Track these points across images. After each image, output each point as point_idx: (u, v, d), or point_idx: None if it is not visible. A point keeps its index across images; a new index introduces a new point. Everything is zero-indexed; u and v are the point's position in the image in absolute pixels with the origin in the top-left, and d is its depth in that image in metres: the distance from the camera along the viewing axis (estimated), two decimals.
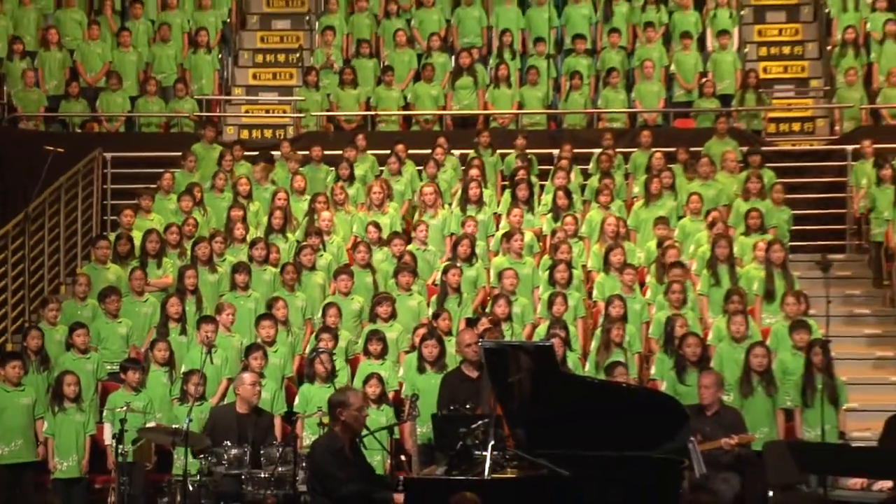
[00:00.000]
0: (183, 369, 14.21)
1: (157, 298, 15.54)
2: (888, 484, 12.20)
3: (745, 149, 18.75)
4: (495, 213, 17.53)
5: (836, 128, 20.40)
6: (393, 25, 21.17)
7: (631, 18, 21.22)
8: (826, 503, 12.59)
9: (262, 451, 12.69)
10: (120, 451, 12.79)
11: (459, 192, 17.69)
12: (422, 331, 14.48)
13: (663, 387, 13.86)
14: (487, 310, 15.11)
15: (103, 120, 20.29)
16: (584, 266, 16.36)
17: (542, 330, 14.72)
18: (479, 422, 11.40)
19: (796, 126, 21.02)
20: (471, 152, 18.71)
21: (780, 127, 20.91)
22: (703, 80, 20.39)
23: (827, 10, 21.63)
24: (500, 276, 15.67)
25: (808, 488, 12.88)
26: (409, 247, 16.32)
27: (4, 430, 13.44)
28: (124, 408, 13.09)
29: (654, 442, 11.11)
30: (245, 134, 20.84)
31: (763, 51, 22.19)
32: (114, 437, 12.91)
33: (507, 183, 18.17)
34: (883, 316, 17.28)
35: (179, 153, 18.72)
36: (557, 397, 11.21)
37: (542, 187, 18.06)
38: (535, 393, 11.23)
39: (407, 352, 14.59)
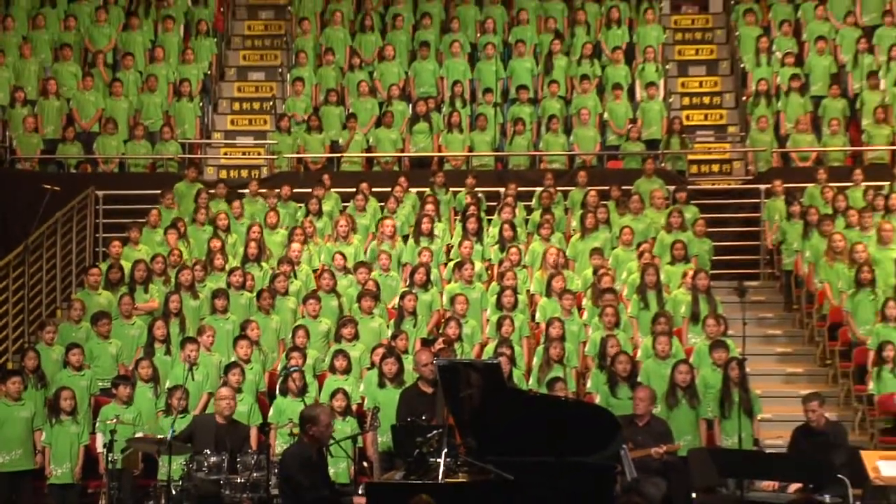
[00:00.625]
0: (167, 385, 14.15)
1: (144, 321, 15.51)
2: (797, 486, 12.28)
3: (671, 187, 18.84)
4: (448, 245, 17.54)
5: (751, 168, 20.48)
6: (357, 77, 21.16)
7: (568, 71, 21.27)
8: (742, 503, 12.68)
9: (238, 459, 12.67)
10: (110, 459, 12.82)
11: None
12: (382, 350, 14.44)
13: (598, 399, 13.89)
14: (441, 331, 15.12)
15: (100, 161, 20.19)
16: (527, 291, 16.36)
17: (490, 349, 14.70)
18: (434, 432, 11.39)
19: (716, 167, 21.09)
20: (427, 190, 18.69)
21: (701, 168, 20.97)
22: (631, 126, 20.46)
23: (742, 65, 21.73)
24: (452, 300, 15.68)
25: (727, 490, 12.90)
26: (373, 274, 16.34)
27: (5, 441, 13.41)
28: (115, 420, 13.15)
29: (589, 449, 11.12)
30: (224, 174, 20.78)
31: (686, 100, 22.26)
32: (105, 446, 12.90)
33: (459, 217, 18.16)
34: (792, 336, 17.41)
35: (164, 191, 18.57)
36: (504, 409, 11.20)
37: (489, 221, 18.07)
38: (484, 405, 11.22)
39: (369, 369, 14.55)
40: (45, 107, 20.62)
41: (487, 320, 15.66)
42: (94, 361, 14.77)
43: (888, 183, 18.39)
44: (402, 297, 15.75)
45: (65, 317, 16.14)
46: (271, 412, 13.89)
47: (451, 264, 16.83)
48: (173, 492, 12.42)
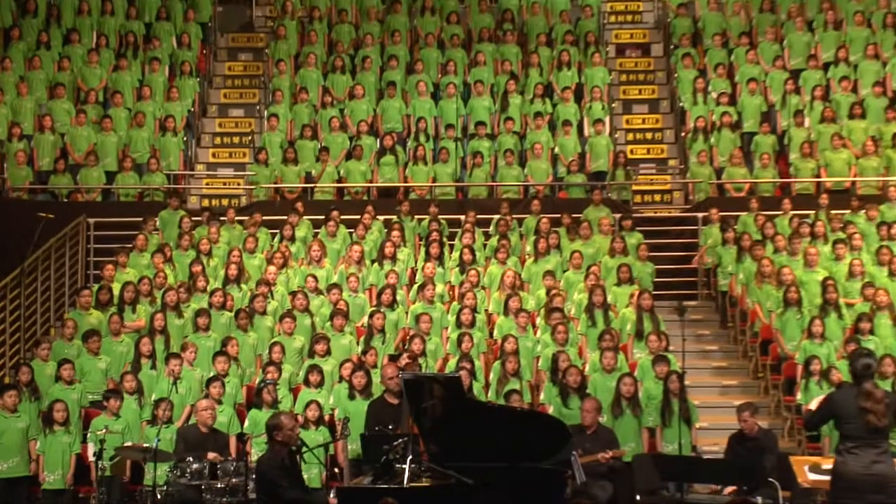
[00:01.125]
0: (154, 397, 14.13)
1: (132, 339, 15.44)
2: (732, 489, 12.31)
3: (617, 215, 18.88)
4: (412, 268, 17.53)
5: (690, 198, 20.54)
6: (328, 114, 21.14)
7: (523, 109, 21.30)
8: None
9: (218, 466, 12.60)
10: (100, 466, 12.78)
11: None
12: (351, 364, 14.45)
13: (550, 410, 13.90)
14: (406, 347, 15.11)
15: (82, 191, 20.11)
16: (486, 311, 16.37)
17: (451, 364, 14.69)
18: (399, 440, 11.38)
19: (657, 197, 21.16)
20: (393, 218, 18.68)
21: (644, 197, 21.03)
22: (581, 159, 20.50)
23: (681, 104, 21.81)
24: (416, 319, 15.66)
25: (668, 493, 12.93)
26: (343, 295, 16.32)
27: (3, 450, 13.37)
28: (104, 430, 13.08)
29: (542, 455, 11.13)
30: (206, 202, 20.73)
31: (630, 136, 22.32)
32: (95, 454, 12.78)
33: (422, 242, 18.16)
34: (727, 351, 17.47)
35: (150, 219, 18.60)
36: (464, 419, 11.19)
37: (451, 246, 18.06)
38: (445, 415, 11.21)
39: (339, 382, 14.52)
40: (40, 141, 20.52)
41: (448, 337, 15.65)
42: (85, 376, 14.66)
43: (813, 212, 18.47)
44: (370, 316, 15.76)
45: (58, 335, 16.04)
46: (246, 423, 13.90)
47: (415, 286, 16.82)
48: (158, 496, 12.42)
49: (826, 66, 21.73)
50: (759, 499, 12.06)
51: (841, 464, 10.34)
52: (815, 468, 11.05)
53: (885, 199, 18.71)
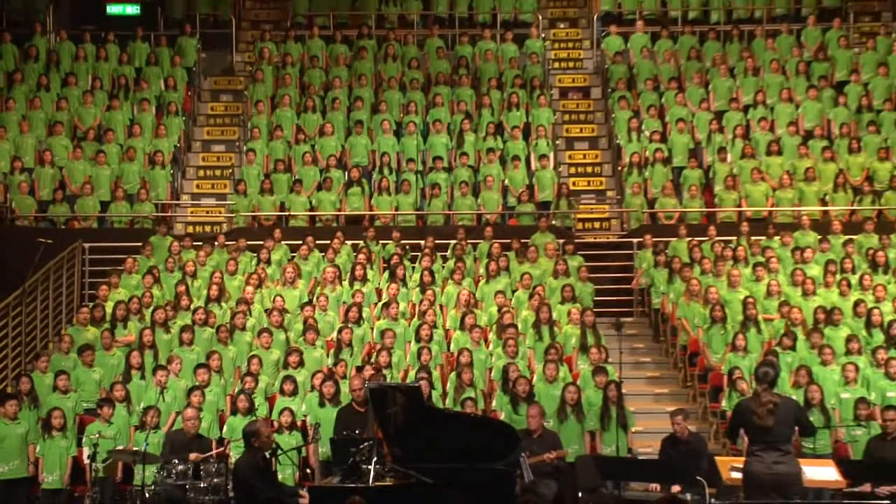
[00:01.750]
0: (142, 405, 14.11)
1: (123, 352, 15.43)
2: (678, 488, 12.33)
3: (561, 241, 18.93)
4: (377, 288, 17.51)
5: (625, 226, 20.62)
6: (301, 149, 21.11)
7: (476, 145, 21.33)
8: (619, 501, 12.72)
9: (201, 467, 12.63)
10: (94, 468, 12.82)
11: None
12: (321, 375, 14.45)
13: (502, 416, 13.92)
14: (372, 360, 15.08)
15: (79, 218, 20.01)
16: (444, 326, 16.37)
17: (412, 375, 14.69)
18: (365, 444, 11.40)
19: (597, 224, 21.22)
20: (360, 243, 18.66)
21: (585, 225, 21.08)
22: (529, 190, 20.54)
23: (617, 141, 21.90)
24: (381, 334, 15.69)
25: (607, 490, 12.95)
26: (315, 312, 16.29)
27: (4, 454, 13.38)
28: (98, 435, 13.09)
29: (494, 457, 11.13)
30: (191, 229, 20.65)
31: (572, 170, 22.38)
32: (90, 457, 12.86)
33: (386, 265, 18.14)
34: (659, 363, 17.51)
35: (140, 244, 18.57)
36: (424, 424, 11.19)
37: (412, 268, 18.07)
38: (407, 421, 11.20)
39: (311, 391, 14.49)
40: (41, 174, 20.42)
41: (410, 351, 15.61)
42: (80, 386, 14.65)
43: (735, 238, 18.58)
44: (339, 332, 15.79)
45: (56, 349, 15.95)
46: (225, 429, 13.93)
47: (380, 304, 16.81)
48: (147, 495, 12.43)
49: (746, 108, 21.88)
50: (689, 495, 12.09)
51: (748, 465, 10.57)
52: (736, 467, 11.10)
53: (798, 227, 18.84)
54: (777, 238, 18.57)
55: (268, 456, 11.49)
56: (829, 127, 21.41)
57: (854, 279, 16.98)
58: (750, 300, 16.09)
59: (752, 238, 18.61)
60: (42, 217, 20.10)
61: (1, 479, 13.36)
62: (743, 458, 11.70)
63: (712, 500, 11.93)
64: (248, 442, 11.11)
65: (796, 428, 10.91)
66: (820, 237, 18.46)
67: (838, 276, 16.99)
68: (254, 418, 13.44)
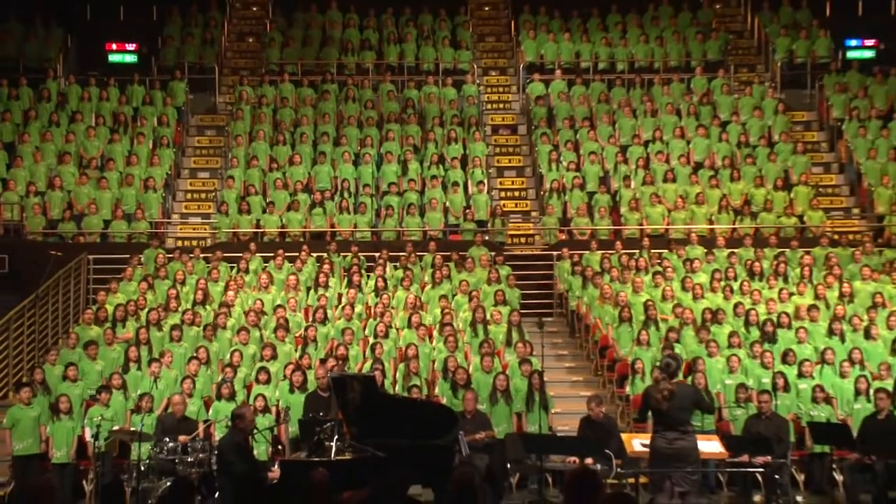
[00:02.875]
0: (138, 392, 14.08)
1: (122, 347, 15.36)
2: (589, 460, 12.39)
3: (493, 253, 18.97)
4: (338, 293, 17.47)
5: (547, 241, 20.71)
6: (274, 176, 21.02)
7: (422, 173, 21.34)
8: (541, 470, 12.76)
9: (189, 445, 12.59)
10: (96, 445, 12.72)
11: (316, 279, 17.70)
12: (291, 366, 14.44)
13: (443, 400, 13.92)
14: (334, 353, 15.04)
15: (85, 234, 19.86)
16: (395, 325, 16.33)
17: (367, 366, 14.66)
18: (328, 424, 11.34)
19: (523, 239, 21.23)
20: (324, 255, 18.60)
21: (513, 240, 21.09)
22: (466, 211, 20.59)
23: (540, 170, 21.99)
24: (342, 332, 15.65)
25: (531, 461, 12.98)
26: (286, 314, 16.23)
27: (20, 434, 13.39)
28: (99, 418, 13.01)
29: (437, 434, 11.14)
30: (180, 243, 20.49)
31: (503, 194, 22.43)
32: (93, 436, 12.78)
33: (346, 274, 18.09)
34: (575, 355, 17.54)
35: (137, 256, 18.57)
36: (377, 407, 11.19)
37: (368, 276, 18.03)
38: (363, 405, 11.19)
39: (282, 380, 14.43)
40: (52, 197, 20.27)
41: (366, 345, 15.60)
42: (85, 376, 14.55)
43: (638, 251, 18.72)
44: (306, 330, 15.76)
45: (64, 344, 15.86)
46: (210, 412, 13.86)
47: (341, 306, 16.76)
48: (142, 468, 12.36)
49: (646, 143, 22.04)
50: (599, 466, 12.14)
51: (653, 441, 10.74)
52: (644, 443, 11.19)
53: (689, 242, 19.00)
54: (672, 251, 18.77)
55: (247, 436, 11.49)
56: (714, 159, 21.60)
57: (735, 285, 17.17)
58: (650, 303, 16.21)
59: (652, 251, 18.79)
60: (53, 233, 19.93)
61: (17, 455, 13.37)
62: (646, 435, 11.81)
63: (618, 470, 12.02)
64: (233, 422, 11.10)
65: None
66: (706, 251, 18.61)
67: (722, 283, 17.15)
68: (239, 403, 13.51)
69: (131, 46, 25.82)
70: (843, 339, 15.36)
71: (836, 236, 19.82)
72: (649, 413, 11.08)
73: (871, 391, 13.67)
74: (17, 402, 13.67)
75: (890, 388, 13.66)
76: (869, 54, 25.87)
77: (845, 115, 22.90)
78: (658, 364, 11.24)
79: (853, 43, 25.94)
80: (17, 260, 18.93)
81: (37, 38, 25.25)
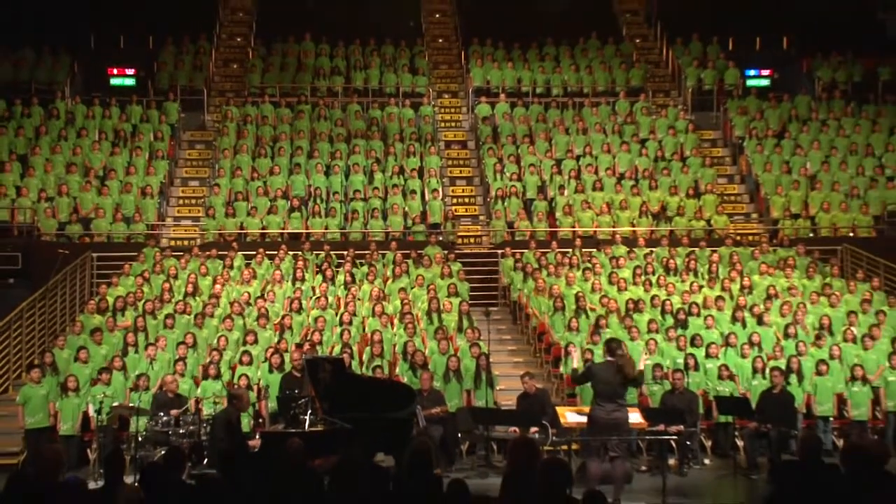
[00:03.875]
0: (136, 372, 13.95)
1: (122, 333, 15.20)
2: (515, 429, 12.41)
3: (446, 251, 18.96)
4: (312, 286, 17.36)
5: (493, 241, 20.73)
6: (255, 184, 20.88)
7: (385, 182, 21.29)
8: (488, 439, 12.78)
9: (180, 419, 12.54)
10: (99, 419, 12.67)
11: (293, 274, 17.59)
12: (271, 350, 14.33)
13: (404, 379, 13.86)
14: (308, 338, 14.96)
15: (94, 235, 19.64)
16: (361, 314, 16.28)
17: (337, 349, 14.59)
18: (302, 400, 11.30)
19: (472, 240, 21.24)
20: (299, 253, 18.52)
21: (463, 240, 21.10)
22: (423, 215, 20.56)
23: (486, 180, 22.02)
24: (315, 320, 15.56)
25: (479, 431, 13.02)
26: (266, 304, 16.13)
27: (32, 409, 13.28)
28: (102, 395, 12.98)
29: (398, 408, 11.16)
30: (173, 243, 20.30)
31: (454, 200, 22.40)
32: (96, 411, 12.71)
33: (318, 269, 18.00)
34: (517, 340, 17.55)
35: (135, 254, 18.34)
36: (345, 385, 11.19)
37: (338, 271, 17.95)
38: (333, 383, 11.18)
39: (263, 362, 14.33)
40: (60, 202, 20.00)
41: (336, 332, 15.50)
42: (90, 359, 14.33)
43: (570, 250, 18.81)
44: (283, 318, 15.69)
45: (70, 331, 15.61)
46: (199, 390, 13.77)
47: (314, 298, 16.67)
48: (139, 439, 12.30)
49: (578, 158, 22.11)
50: (537, 435, 12.17)
51: (593, 411, 10.73)
52: (582, 412, 11.23)
53: (614, 243, 19.12)
54: (600, 250, 18.86)
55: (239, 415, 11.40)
56: (635, 171, 21.76)
57: (653, 279, 17.28)
58: (580, 294, 16.28)
59: (583, 250, 18.86)
60: (61, 234, 19.67)
61: (29, 428, 13.24)
62: (576, 408, 11.85)
63: (553, 438, 12.06)
64: (230, 401, 11.01)
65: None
66: (629, 249, 18.74)
67: (642, 278, 17.27)
68: (224, 382, 13.43)
69: (130, 71, 25.57)
70: (744, 325, 15.53)
71: (738, 237, 20.03)
72: (587, 381, 11.10)
73: (767, 369, 13.83)
74: (28, 382, 13.51)
75: (783, 367, 13.83)
76: (765, 82, 26.23)
77: (745, 134, 23.19)
78: (605, 346, 11.23)
79: (752, 73, 26.26)
80: (29, 257, 18.66)
81: (47, 63, 24.99)
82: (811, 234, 20.39)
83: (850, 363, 14.25)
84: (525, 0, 27.75)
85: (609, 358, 10.80)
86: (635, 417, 11.47)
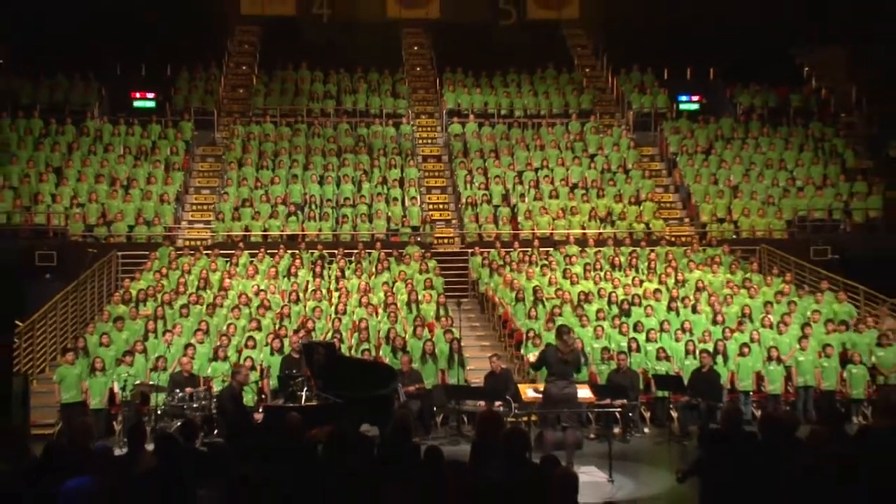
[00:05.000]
0: (155, 355, 13.81)
1: (143, 321, 15.06)
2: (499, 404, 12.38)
3: (424, 251, 18.93)
4: (307, 280, 17.27)
5: (464, 242, 20.70)
6: (259, 192, 20.79)
7: (370, 191, 21.25)
8: (459, 412, 12.76)
9: (193, 395, 12.44)
10: (123, 395, 12.72)
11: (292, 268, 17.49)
12: (272, 335, 14.25)
13: (387, 360, 13.82)
14: (304, 325, 14.87)
15: (115, 237, 19.47)
16: (350, 304, 16.20)
17: (329, 335, 14.52)
18: (299, 379, 11.27)
19: (446, 240, 21.19)
20: (296, 251, 18.43)
21: (438, 241, 21.02)
22: (403, 219, 20.50)
23: (458, 189, 21.97)
24: (311, 310, 15.50)
25: (451, 405, 13.00)
26: (268, 295, 16.03)
27: (66, 387, 13.19)
28: (126, 375, 13.01)
29: (382, 386, 11.14)
30: (187, 243, 20.13)
31: (431, 206, 22.33)
32: (121, 388, 12.77)
33: (313, 266, 17.91)
34: (485, 326, 17.45)
35: (154, 252, 18.26)
36: (337, 366, 11.13)
37: (329, 268, 17.87)
38: (326, 364, 11.13)
39: (265, 346, 14.24)
40: (90, 208, 19.85)
41: (329, 319, 15.44)
42: (115, 344, 14.23)
43: (530, 249, 18.84)
44: (282, 308, 15.62)
45: (99, 319, 15.51)
46: (209, 370, 13.64)
47: (309, 290, 16.59)
48: (158, 412, 12.25)
49: (536, 170, 22.13)
50: (502, 408, 12.19)
51: (547, 388, 10.71)
52: (537, 389, 11.24)
53: (568, 243, 19.19)
54: (555, 249, 18.91)
55: (242, 389, 11.36)
56: (585, 182, 21.81)
57: (601, 274, 17.36)
58: (538, 287, 16.31)
59: (540, 249, 18.90)
60: (90, 235, 19.47)
61: (64, 403, 13.13)
62: (536, 385, 11.86)
63: (515, 411, 12.08)
64: (232, 376, 10.98)
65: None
66: (581, 249, 18.82)
67: (592, 273, 17.34)
68: (231, 363, 13.33)
69: (150, 95, 25.34)
70: (677, 314, 15.61)
71: (672, 239, 20.15)
72: (542, 366, 11.13)
73: (697, 351, 13.92)
74: (63, 363, 13.40)
75: (710, 349, 13.92)
76: (695, 106, 26.36)
77: (678, 151, 23.32)
78: (556, 332, 11.24)
79: (684, 98, 26.38)
80: (63, 255, 18.50)
81: (79, 88, 24.73)
82: (734, 236, 20.53)
83: (767, 346, 14.37)
84: (490, 35, 27.96)
85: (559, 342, 10.84)
86: (585, 393, 11.51)
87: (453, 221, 21.83)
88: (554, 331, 11.90)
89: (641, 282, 17.00)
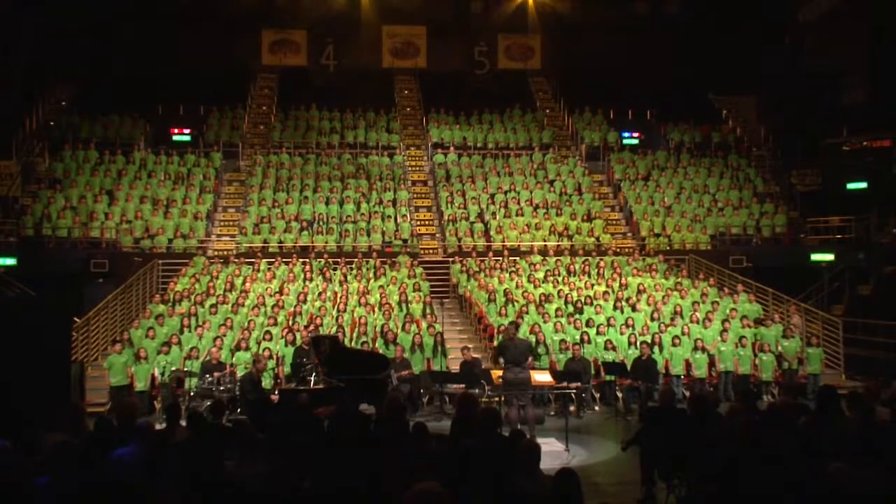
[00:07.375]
0: (189, 346, 13.71)
1: (179, 318, 14.93)
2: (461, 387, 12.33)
3: (413, 259, 18.88)
4: (316, 284, 17.16)
5: (447, 252, 20.69)
6: (276, 211, 20.71)
7: (369, 210, 21.16)
8: (442, 394, 12.70)
9: (221, 379, 12.32)
10: (162, 380, 12.61)
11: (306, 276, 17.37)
12: (286, 330, 14.13)
13: (382, 351, 13.74)
14: (313, 322, 14.78)
15: (155, 248, 19.28)
16: (351, 304, 16.14)
17: (334, 330, 14.44)
18: (309, 366, 11.21)
19: (431, 251, 21.20)
20: (307, 260, 18.35)
21: (425, 251, 20.97)
22: (396, 233, 20.46)
23: (441, 208, 21.95)
24: (319, 309, 15.40)
25: (436, 388, 12.95)
26: (283, 297, 15.94)
27: (114, 372, 13.12)
28: (165, 362, 12.94)
29: (378, 372, 11.07)
30: (217, 253, 19.97)
31: (419, 223, 22.34)
32: (161, 374, 12.65)
33: (321, 272, 17.84)
34: (464, 322, 17.36)
35: (189, 261, 18.13)
36: (340, 355, 11.06)
37: (334, 273, 17.80)
38: (331, 353, 11.07)
39: (280, 339, 14.15)
40: (136, 224, 19.70)
41: (334, 317, 15.36)
42: (156, 337, 14.07)
43: (501, 258, 18.83)
44: (295, 307, 15.53)
45: (142, 316, 15.34)
46: (234, 359, 13.51)
47: (317, 292, 16.52)
48: (191, 394, 12.20)
49: (506, 192, 22.12)
50: (477, 391, 12.16)
51: (504, 374, 10.73)
52: (500, 376, 11.22)
53: (532, 253, 19.22)
54: (522, 258, 18.89)
55: (261, 374, 11.27)
56: (546, 203, 21.85)
57: (560, 279, 17.39)
58: (508, 290, 16.30)
59: (510, 258, 18.89)
60: (136, 247, 19.30)
61: (113, 386, 13.05)
62: (497, 372, 11.84)
63: (488, 393, 12.06)
64: (253, 364, 10.93)
65: (530, 356, 11.12)
66: (542, 258, 18.82)
67: (552, 278, 17.37)
68: (252, 354, 13.24)
69: (187, 131, 25.20)
70: (622, 312, 15.67)
71: (617, 250, 20.23)
72: (500, 357, 11.15)
73: (638, 343, 13.97)
74: (113, 353, 13.31)
75: (649, 341, 13.97)
76: (635, 141, 26.51)
77: (623, 177, 23.44)
78: (506, 327, 11.25)
79: (626, 135, 26.55)
80: (114, 264, 18.35)
81: (127, 125, 24.56)
82: (668, 248, 20.66)
83: (695, 338, 14.46)
84: (468, 81, 28.10)
85: (511, 335, 10.86)
86: (546, 377, 11.51)
87: (437, 235, 21.82)
88: (525, 325, 11.88)
89: (592, 285, 17.07)
